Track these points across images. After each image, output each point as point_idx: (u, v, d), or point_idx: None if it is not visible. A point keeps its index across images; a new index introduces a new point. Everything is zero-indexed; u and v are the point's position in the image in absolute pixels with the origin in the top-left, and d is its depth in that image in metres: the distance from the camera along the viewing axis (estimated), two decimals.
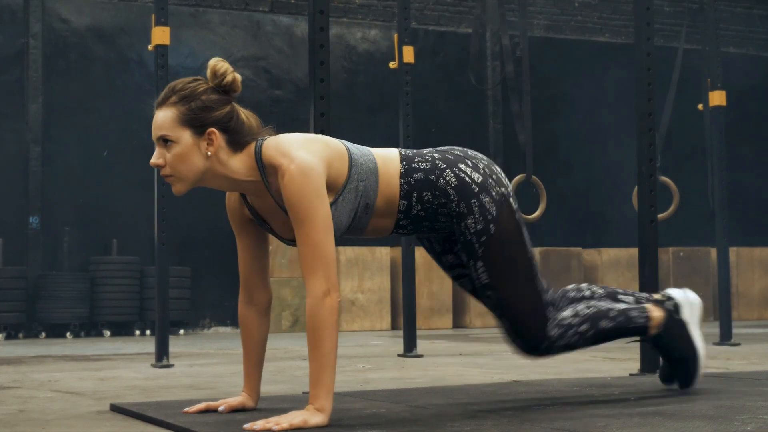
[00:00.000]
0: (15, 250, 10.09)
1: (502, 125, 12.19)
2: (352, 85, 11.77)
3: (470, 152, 2.86)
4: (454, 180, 2.75)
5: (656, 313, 3.00)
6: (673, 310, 3.03)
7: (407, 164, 2.76)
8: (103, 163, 10.44)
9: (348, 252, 10.52)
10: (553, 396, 3.14)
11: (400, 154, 2.80)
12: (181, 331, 10.21)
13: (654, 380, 3.55)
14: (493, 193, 2.76)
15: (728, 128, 7.26)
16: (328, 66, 3.59)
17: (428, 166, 2.77)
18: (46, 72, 10.41)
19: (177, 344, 7.96)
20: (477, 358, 5.63)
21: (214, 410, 2.80)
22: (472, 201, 2.74)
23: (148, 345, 7.29)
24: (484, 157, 2.87)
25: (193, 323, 10.67)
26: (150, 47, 5.37)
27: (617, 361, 5.12)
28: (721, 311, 6.83)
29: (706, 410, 2.63)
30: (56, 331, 9.74)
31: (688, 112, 8.79)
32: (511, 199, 2.81)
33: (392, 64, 5.99)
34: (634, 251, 10.19)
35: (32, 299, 9.82)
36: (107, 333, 9.81)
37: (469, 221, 2.74)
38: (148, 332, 9.84)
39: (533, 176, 6.56)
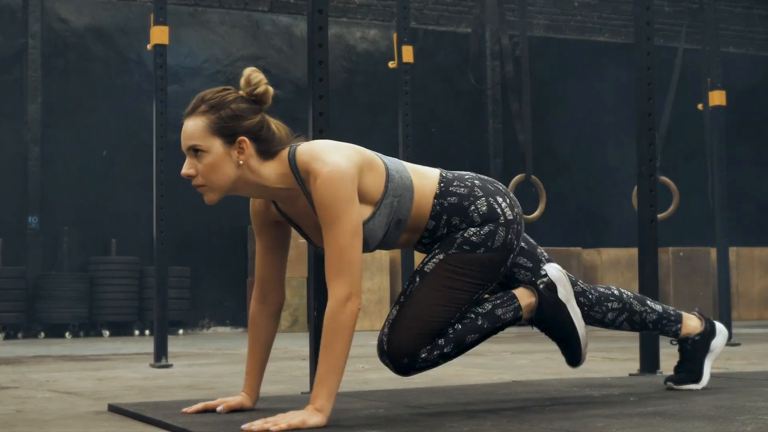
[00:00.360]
0: (14, 250, 10.08)
1: (502, 125, 12.18)
2: (351, 84, 11.76)
3: (512, 194, 2.87)
4: (484, 208, 2.74)
5: (527, 300, 2.84)
6: (547, 293, 2.86)
7: (445, 186, 2.76)
8: (102, 163, 10.43)
9: None
10: (552, 396, 3.13)
11: (441, 174, 2.80)
12: (181, 331, 10.20)
13: (654, 381, 3.54)
14: (509, 236, 2.75)
15: (728, 128, 7.25)
16: (326, 65, 3.58)
17: (465, 191, 2.76)
18: (46, 72, 10.40)
19: (176, 344, 7.95)
20: (476, 358, 5.62)
21: (213, 410, 2.79)
22: (490, 225, 2.73)
23: (148, 345, 7.27)
24: (520, 207, 2.87)
25: (193, 323, 10.66)
26: (149, 47, 5.35)
27: (617, 361, 5.11)
28: (721, 311, 6.82)
29: (706, 410, 2.62)
30: (55, 331, 9.73)
31: (688, 112, 8.79)
32: (510, 255, 2.78)
33: (391, 64, 5.99)
34: (633, 251, 10.17)
35: (31, 299, 9.81)
36: (106, 333, 9.80)
37: (472, 229, 2.73)
38: (147, 332, 9.83)
39: (533, 176, 6.55)
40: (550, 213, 7.70)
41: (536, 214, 6.57)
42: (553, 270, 2.90)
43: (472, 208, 2.74)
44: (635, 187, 4.47)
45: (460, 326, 2.73)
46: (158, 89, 5.23)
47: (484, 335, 2.77)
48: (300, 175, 2.60)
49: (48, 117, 10.35)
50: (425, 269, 2.73)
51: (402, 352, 2.68)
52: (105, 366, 5.41)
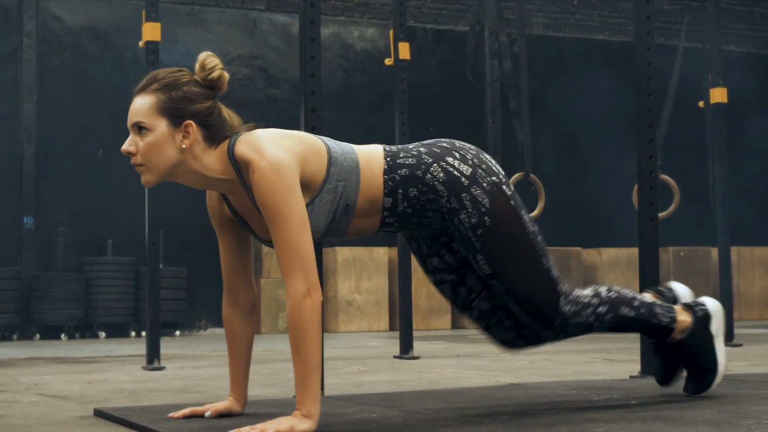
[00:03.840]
0: (9, 250, 10.01)
1: (501, 124, 12.12)
2: (349, 83, 11.69)
3: (458, 143, 2.74)
4: (441, 174, 2.63)
5: (684, 317, 2.87)
6: (702, 319, 2.89)
7: (391, 160, 2.65)
8: (97, 162, 10.35)
9: (345, 252, 10.43)
10: (551, 400, 3.05)
11: (384, 150, 2.68)
12: (177, 332, 10.13)
13: (655, 383, 3.46)
14: (484, 184, 2.65)
15: (729, 126, 7.17)
16: (319, 60, 3.49)
17: (413, 161, 2.65)
18: (41, 71, 10.33)
19: (171, 345, 7.88)
20: (474, 360, 5.54)
21: (200, 415, 2.71)
22: (463, 195, 2.63)
23: (142, 347, 7.16)
24: (473, 147, 2.75)
25: (189, 324, 10.59)
26: (140, 44, 5.27)
27: (617, 363, 5.03)
28: (726, 323, 6.74)
29: (709, 415, 2.53)
30: (51, 333, 9.66)
31: (689, 111, 8.71)
32: (504, 186, 2.68)
33: (388, 61, 5.91)
34: (634, 251, 10.10)
35: (26, 300, 9.74)
36: (102, 334, 9.72)
37: (462, 216, 2.63)
38: (143, 333, 9.73)
39: (531, 175, 6.47)
40: (549, 212, 7.62)
41: (535, 213, 6.49)
42: (711, 303, 2.93)
43: (428, 176, 2.63)
44: (635, 186, 4.39)
45: (617, 295, 2.75)
46: None
47: (637, 319, 2.77)
48: (239, 167, 2.51)
49: (43, 116, 10.27)
50: (487, 272, 2.66)
51: (549, 316, 2.68)
52: (96, 368, 5.33)
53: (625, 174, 10.74)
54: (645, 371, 3.95)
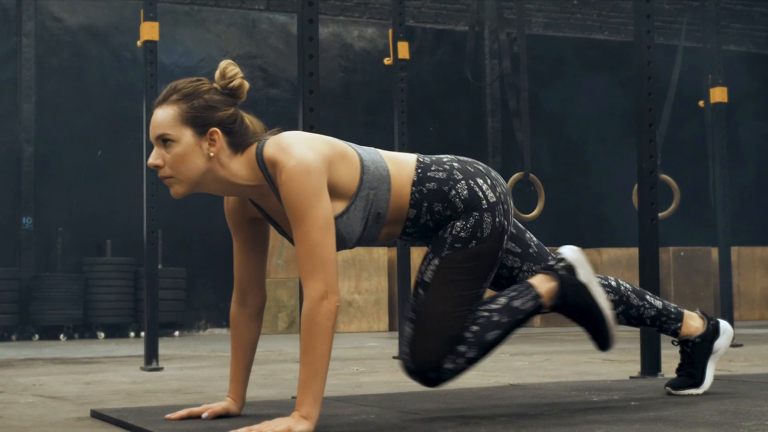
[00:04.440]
0: (8, 251, 10.00)
1: (501, 123, 12.10)
2: (348, 83, 11.67)
3: (494, 173, 2.73)
4: (465, 192, 2.62)
5: (546, 285, 2.71)
6: (566, 275, 2.73)
7: (422, 172, 2.63)
8: (96, 163, 10.34)
9: (345, 252, 10.41)
10: (550, 401, 3.03)
11: (418, 160, 2.67)
12: (176, 333, 10.11)
13: (655, 384, 3.44)
14: (497, 219, 2.63)
15: (729, 126, 7.16)
16: (317, 59, 3.47)
17: (443, 175, 2.63)
18: (39, 71, 10.31)
19: (170, 346, 7.86)
20: None
21: (197, 417, 2.69)
22: (474, 213, 2.61)
23: (141, 347, 7.17)
24: (505, 184, 2.74)
25: (189, 324, 10.57)
26: (139, 43, 5.25)
27: (617, 363, 5.01)
28: (723, 312, 6.73)
29: (710, 416, 2.51)
30: (50, 333, 9.64)
31: (689, 110, 8.69)
32: (505, 236, 2.66)
33: (387, 61, 5.89)
34: (634, 251, 10.09)
35: (25, 301, 9.72)
36: (101, 335, 9.70)
37: (458, 223, 2.61)
38: (142, 334, 9.71)
39: (531, 174, 6.45)
40: (549, 212, 7.60)
41: (535, 213, 6.47)
42: (569, 252, 2.75)
43: (453, 192, 2.61)
44: (635, 186, 4.38)
45: (477, 327, 2.61)
46: (149, 87, 5.13)
47: (506, 330, 2.64)
48: (267, 170, 2.49)
49: (42, 116, 10.25)
50: (425, 279, 2.61)
51: (427, 367, 2.58)
52: (94, 369, 5.31)
53: (625, 174, 10.73)
54: (645, 372, 3.93)
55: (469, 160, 2.73)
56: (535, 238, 2.89)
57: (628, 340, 6.79)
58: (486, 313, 2.63)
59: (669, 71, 8.02)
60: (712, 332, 3.00)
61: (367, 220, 2.58)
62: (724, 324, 3.04)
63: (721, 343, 3.01)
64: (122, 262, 9.97)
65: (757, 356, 5.49)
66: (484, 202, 2.62)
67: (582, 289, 2.72)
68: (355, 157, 2.57)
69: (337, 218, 2.51)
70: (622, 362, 5.04)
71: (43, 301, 9.59)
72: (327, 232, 2.39)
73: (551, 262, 2.77)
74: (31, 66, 10.24)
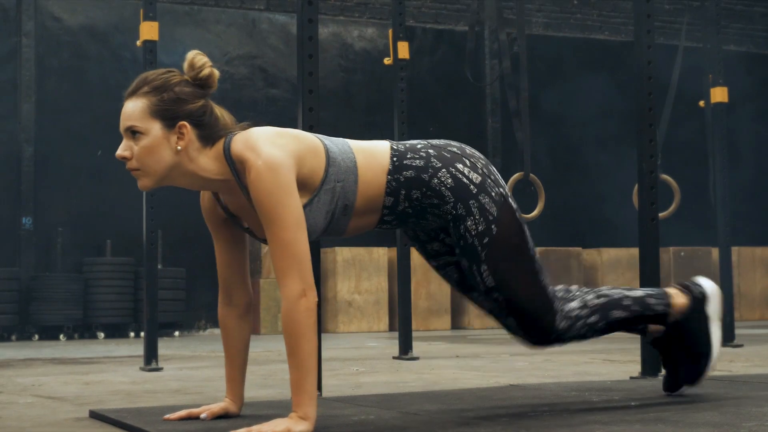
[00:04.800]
0: (7, 251, 9.98)
1: (501, 123, 12.09)
2: (348, 83, 11.66)
3: (468, 150, 2.71)
4: (450, 181, 2.61)
5: (679, 300, 2.84)
6: (699, 300, 2.86)
7: (398, 160, 2.61)
8: (96, 163, 10.32)
9: (345, 252, 10.40)
10: (550, 401, 3.02)
11: (392, 149, 2.64)
12: (176, 333, 10.10)
13: (655, 384, 3.43)
14: (493, 193, 2.63)
15: (729, 126, 7.15)
16: (317, 59, 3.46)
17: (421, 163, 2.62)
18: (39, 71, 10.30)
19: (170, 346, 7.86)
20: (474, 361, 5.51)
21: (196, 417, 2.68)
22: (471, 202, 2.60)
23: (141, 347, 7.15)
24: (482, 157, 2.73)
25: (189, 324, 10.56)
26: (138, 43, 5.24)
27: (617, 364, 5.00)
28: (723, 312, 6.70)
29: (711, 417, 2.51)
30: (49, 334, 9.62)
31: (689, 110, 8.68)
32: (509, 200, 2.68)
33: (387, 60, 5.88)
34: (634, 251, 10.07)
35: (25, 301, 9.70)
36: (101, 335, 9.68)
37: (469, 223, 2.60)
38: (142, 334, 9.70)
39: (531, 174, 6.44)
40: (549, 212, 7.59)
41: (535, 213, 6.46)
42: (708, 284, 2.89)
43: (435, 180, 2.60)
44: (636, 185, 4.37)
45: (606, 299, 2.73)
46: None
47: (630, 318, 2.76)
48: (235, 166, 2.48)
49: (42, 116, 10.24)
50: (489, 285, 2.64)
51: (546, 338, 2.69)
52: (94, 369, 5.30)
53: (625, 174, 10.72)
54: (645, 372, 3.92)
55: (442, 143, 2.70)
56: None
57: (628, 341, 6.78)
58: (621, 293, 2.76)
59: (669, 71, 8.00)
60: (700, 301, 2.90)
61: (333, 213, 2.56)
62: (708, 286, 2.93)
63: (712, 307, 2.91)
64: (122, 262, 9.95)
65: (757, 356, 5.48)
66: (471, 186, 2.62)
67: (705, 321, 2.85)
68: (321, 150, 2.55)
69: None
70: (622, 362, 5.03)
71: (43, 302, 9.58)
72: (299, 229, 2.39)
73: (688, 283, 2.89)
74: (31, 66, 10.23)
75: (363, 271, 10.42)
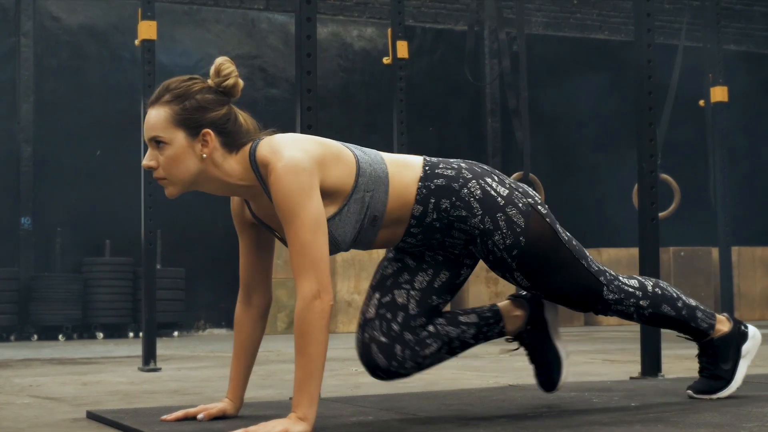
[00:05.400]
0: (6, 251, 9.97)
1: (500, 123, 12.07)
2: (348, 83, 11.65)
3: (497, 172, 2.74)
4: (479, 192, 2.60)
5: (723, 326, 2.90)
6: (740, 334, 2.91)
7: (430, 169, 2.62)
8: (95, 163, 10.31)
9: (345, 252, 10.38)
10: (550, 401, 3.01)
11: (425, 159, 2.67)
12: (176, 333, 10.08)
13: (656, 384, 3.42)
14: (520, 204, 2.62)
15: (729, 125, 7.14)
16: (315, 58, 3.45)
17: (453, 173, 2.62)
18: (38, 71, 10.29)
19: (169, 346, 7.84)
20: (474, 361, 5.49)
21: (193, 418, 2.66)
22: (498, 215, 2.59)
23: (140, 347, 7.15)
24: (510, 178, 2.75)
25: (188, 325, 10.54)
26: (136, 42, 5.23)
27: (617, 364, 4.99)
28: (724, 312, 6.70)
29: (711, 417, 2.49)
30: (49, 334, 9.61)
31: (690, 110, 8.67)
32: (539, 206, 2.67)
33: (386, 60, 5.87)
34: (634, 251, 10.05)
35: (24, 301, 9.69)
36: (100, 335, 9.67)
37: (496, 237, 2.59)
38: (141, 334, 9.70)
39: (531, 174, 6.43)
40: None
41: None
42: (753, 329, 2.96)
43: (465, 191, 2.60)
44: (636, 185, 4.35)
45: (661, 292, 2.77)
46: (146, 86, 5.10)
47: (675, 320, 2.80)
48: (259, 171, 2.47)
49: (41, 116, 10.23)
50: (526, 285, 2.67)
51: (589, 307, 2.73)
52: (92, 370, 5.29)
53: (625, 173, 10.72)
54: (645, 372, 3.91)
55: (474, 162, 2.74)
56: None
57: (628, 341, 6.76)
58: (677, 294, 2.81)
59: (669, 71, 7.99)
60: (741, 336, 2.97)
61: (362, 224, 2.55)
62: (753, 330, 2.99)
63: (749, 345, 2.98)
64: (121, 263, 9.94)
65: (757, 357, 5.44)
66: (499, 199, 2.61)
67: (737, 353, 2.91)
68: (351, 159, 2.54)
69: (330, 220, 2.49)
70: (622, 363, 5.02)
71: (42, 302, 9.56)
72: (317, 231, 2.38)
73: (737, 319, 2.95)
74: (30, 66, 10.22)
75: (363, 271, 10.41)
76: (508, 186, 2.66)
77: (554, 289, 2.68)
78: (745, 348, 2.94)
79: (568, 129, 12.33)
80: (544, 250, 2.63)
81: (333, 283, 10.33)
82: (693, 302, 2.87)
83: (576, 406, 2.87)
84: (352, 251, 10.28)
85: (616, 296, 2.71)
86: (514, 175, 6.39)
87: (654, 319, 2.79)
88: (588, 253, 2.74)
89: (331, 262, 10.39)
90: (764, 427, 2.31)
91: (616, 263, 11.36)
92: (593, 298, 2.70)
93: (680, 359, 4.85)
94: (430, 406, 2.96)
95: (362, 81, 11.68)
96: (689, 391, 2.95)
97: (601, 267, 2.73)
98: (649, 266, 3.91)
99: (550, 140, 12.04)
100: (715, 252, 10.65)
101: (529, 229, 2.60)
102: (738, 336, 2.92)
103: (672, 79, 7.90)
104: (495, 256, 2.61)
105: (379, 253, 10.44)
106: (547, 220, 2.66)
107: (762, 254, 11.98)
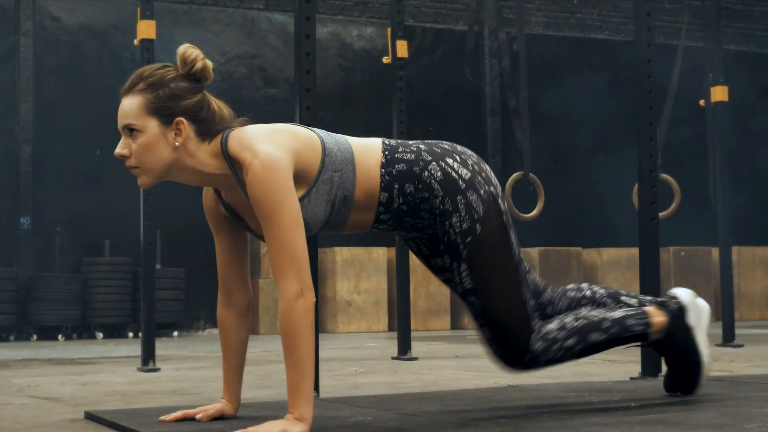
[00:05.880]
0: (6, 251, 9.96)
1: (500, 123, 12.06)
2: (348, 83, 11.64)
3: (459, 147, 2.69)
4: (439, 174, 2.58)
5: (658, 318, 2.79)
6: (677, 314, 2.82)
7: (390, 154, 2.61)
8: (95, 162, 10.30)
9: (344, 252, 10.38)
10: (550, 402, 2.99)
11: (383, 143, 2.64)
12: (175, 333, 10.07)
13: (656, 385, 3.41)
14: (481, 191, 2.60)
15: (730, 125, 7.12)
16: (314, 57, 3.44)
17: (412, 157, 2.61)
18: (38, 71, 10.28)
19: (168, 346, 7.83)
20: (473, 361, 5.48)
21: (191, 418, 2.65)
22: (458, 197, 2.57)
23: (139, 348, 7.13)
24: (474, 154, 2.71)
25: (188, 325, 10.53)
26: (135, 41, 5.22)
27: (617, 364, 4.97)
28: (724, 312, 6.69)
29: (712, 418, 2.48)
30: (48, 334, 9.60)
31: (690, 110, 8.65)
32: (499, 200, 2.63)
33: (386, 59, 5.86)
34: (634, 251, 10.05)
35: (24, 301, 9.68)
36: (100, 335, 9.66)
37: (453, 219, 2.57)
38: (141, 334, 9.68)
39: (531, 174, 6.41)
40: (549, 212, 7.57)
41: (534, 213, 6.43)
42: (684, 294, 2.83)
43: (426, 174, 2.58)
44: (636, 185, 4.34)
45: (585, 321, 2.67)
46: None
47: (610, 340, 2.70)
48: (233, 164, 2.46)
49: (40, 116, 10.22)
50: (467, 287, 2.59)
51: (518, 354, 2.60)
52: (91, 370, 5.27)
53: (625, 173, 10.70)
54: (646, 373, 3.90)
55: (433, 141, 2.70)
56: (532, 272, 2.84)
57: None
58: (600, 316, 2.69)
59: (669, 70, 7.97)
60: (677, 316, 2.85)
61: (333, 204, 2.54)
62: (683, 297, 2.87)
63: (692, 316, 2.86)
64: (121, 262, 9.93)
65: (757, 357, 5.45)
66: (460, 182, 2.59)
67: (688, 332, 2.80)
68: (317, 141, 2.53)
69: (299, 201, 2.46)
70: (622, 363, 5.01)
71: (42, 302, 9.55)
72: (296, 229, 2.37)
73: (664, 299, 2.84)
74: (30, 65, 10.21)
75: (362, 271, 10.40)
76: (470, 168, 2.62)
77: (490, 303, 2.57)
78: (691, 321, 2.83)
79: (568, 129, 12.31)
80: (494, 251, 2.58)
81: (333, 284, 10.32)
82: (619, 313, 2.75)
83: (576, 406, 2.86)
84: (352, 251, 10.33)
85: (543, 344, 2.61)
86: (514, 175, 6.37)
87: (587, 350, 2.70)
88: (528, 288, 2.64)
89: (331, 262, 10.37)
90: (765, 427, 2.29)
91: (616, 263, 11.35)
92: (521, 340, 2.58)
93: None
94: (429, 406, 2.94)
95: (362, 81, 11.67)
96: (678, 392, 2.94)
97: (531, 310, 2.63)
98: (649, 266, 3.89)
99: (550, 140, 12.02)
100: (715, 252, 10.64)
101: (486, 218, 2.58)
102: (677, 318, 2.81)
103: (672, 79, 7.88)
104: (449, 238, 2.58)
105: (379, 253, 10.43)
106: (504, 218, 2.63)
107: (762, 254, 11.97)
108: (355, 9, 11.78)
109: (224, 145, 2.47)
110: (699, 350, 2.82)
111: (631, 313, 2.75)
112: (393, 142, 2.67)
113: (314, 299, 2.37)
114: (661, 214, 4.26)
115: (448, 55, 12.06)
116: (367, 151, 2.60)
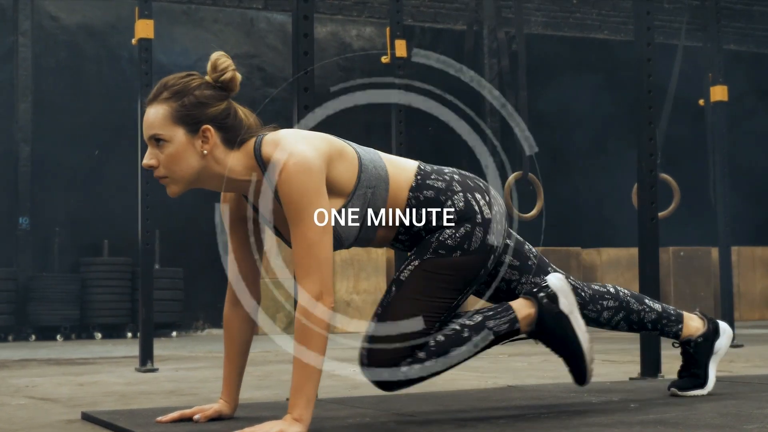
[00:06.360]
0: (4, 251, 9.94)
1: (500, 123, 12.05)
2: (347, 83, 11.62)
3: (493, 192, 2.67)
4: (461, 204, 2.56)
5: (525, 311, 2.62)
6: (547, 303, 2.63)
7: (422, 179, 2.59)
8: (93, 162, 10.29)
9: (343, 252, 10.36)
10: (549, 403, 2.98)
11: (419, 167, 2.63)
12: (174, 333, 10.06)
13: (655, 385, 3.40)
14: (488, 237, 2.56)
15: (729, 125, 7.11)
16: (312, 56, 3.42)
17: (442, 185, 2.59)
18: (36, 70, 10.26)
19: (167, 347, 7.82)
20: (472, 361, 5.46)
21: (189, 419, 2.64)
22: (466, 225, 2.55)
23: (138, 348, 7.12)
24: (503, 205, 2.68)
25: (186, 325, 10.52)
26: (133, 41, 5.21)
27: (617, 364, 4.96)
28: (724, 312, 6.68)
29: (711, 418, 2.47)
30: (46, 334, 9.59)
31: (690, 109, 8.64)
32: (493, 257, 2.58)
33: (384, 59, 5.85)
34: (633, 251, 10.04)
35: (22, 301, 9.67)
36: (98, 335, 9.65)
37: (447, 231, 2.55)
38: (139, 334, 9.66)
39: (530, 174, 6.41)
40: (548, 212, 7.57)
41: (533, 212, 6.42)
42: (554, 280, 2.66)
43: (449, 203, 2.56)
44: (635, 185, 4.33)
45: (443, 338, 2.54)
46: (143, 85, 5.08)
47: (471, 349, 2.55)
48: (265, 167, 2.44)
49: (39, 116, 10.21)
50: (401, 277, 2.55)
51: (383, 364, 2.51)
52: (89, 370, 5.26)
53: (624, 173, 10.69)
54: (645, 373, 3.89)
55: (471, 175, 2.68)
56: (534, 250, 2.81)
57: (627, 341, 6.74)
58: (457, 327, 2.55)
59: (668, 70, 7.97)
60: (713, 332, 2.95)
61: (364, 219, 2.53)
62: (723, 325, 2.99)
63: (722, 343, 2.96)
64: (119, 263, 9.92)
65: (757, 357, 5.44)
66: (478, 216, 2.56)
67: (562, 319, 2.63)
68: (354, 155, 2.52)
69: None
70: (621, 363, 5.00)
71: (40, 302, 9.54)
72: (325, 232, 2.35)
73: (534, 288, 2.68)
74: (28, 65, 10.19)
75: (361, 271, 10.39)
76: (493, 213, 2.58)
77: (398, 304, 2.51)
78: (563, 306, 2.64)
79: (568, 128, 12.30)
80: (447, 279, 2.51)
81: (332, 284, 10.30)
82: (477, 318, 2.58)
83: (575, 406, 2.85)
84: (351, 251, 10.31)
85: (406, 369, 2.52)
86: (513, 175, 6.36)
87: (450, 365, 2.57)
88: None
89: None
90: (765, 428, 2.28)
91: (615, 263, 11.34)
92: (393, 351, 2.50)
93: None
94: (428, 407, 2.93)
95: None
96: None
97: (418, 340, 2.54)
98: (648, 266, 3.88)
99: (550, 140, 12.01)
100: (714, 252, 10.63)
101: (470, 255, 2.53)
102: (548, 306, 2.62)
103: (671, 79, 7.88)
104: (432, 237, 2.54)
105: (378, 253, 10.41)
106: (480, 272, 2.56)
107: (762, 254, 11.96)
108: (354, 9, 11.77)
109: (257, 149, 2.44)
110: (577, 336, 2.65)
111: (491, 314, 2.60)
112: (428, 167, 2.64)
113: (333, 304, 2.34)
114: (660, 213, 4.25)
115: (447, 54, 11.95)
116: (401, 171, 2.58)
